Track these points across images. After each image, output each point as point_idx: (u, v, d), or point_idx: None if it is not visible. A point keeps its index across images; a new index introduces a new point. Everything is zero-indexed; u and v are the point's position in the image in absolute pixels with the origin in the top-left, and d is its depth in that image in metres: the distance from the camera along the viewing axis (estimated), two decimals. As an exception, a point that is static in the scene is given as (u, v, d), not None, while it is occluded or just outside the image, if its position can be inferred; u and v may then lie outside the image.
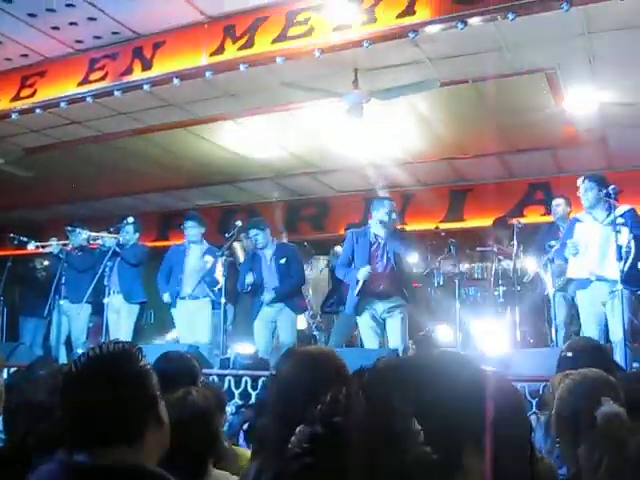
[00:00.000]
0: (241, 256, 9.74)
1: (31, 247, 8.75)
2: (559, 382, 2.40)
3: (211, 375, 6.03)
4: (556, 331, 7.31)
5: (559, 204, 8.04)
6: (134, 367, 1.89)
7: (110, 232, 8.37)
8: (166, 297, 8.07)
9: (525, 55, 7.03)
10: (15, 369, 4.02)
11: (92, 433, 1.82)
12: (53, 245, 8.63)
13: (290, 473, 1.26)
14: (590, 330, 6.25)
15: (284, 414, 2.07)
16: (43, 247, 8.77)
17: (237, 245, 9.88)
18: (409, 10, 6.21)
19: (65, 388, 1.90)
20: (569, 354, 3.33)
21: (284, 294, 7.71)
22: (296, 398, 2.01)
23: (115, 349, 1.91)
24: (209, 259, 7.93)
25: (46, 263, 9.49)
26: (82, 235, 8.66)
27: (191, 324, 8.02)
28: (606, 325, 6.20)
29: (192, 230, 8.19)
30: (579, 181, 6.46)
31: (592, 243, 6.26)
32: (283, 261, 7.77)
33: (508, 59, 7.08)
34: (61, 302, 8.32)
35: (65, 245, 8.68)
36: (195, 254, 8.18)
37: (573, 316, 7.27)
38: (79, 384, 1.86)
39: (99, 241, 8.40)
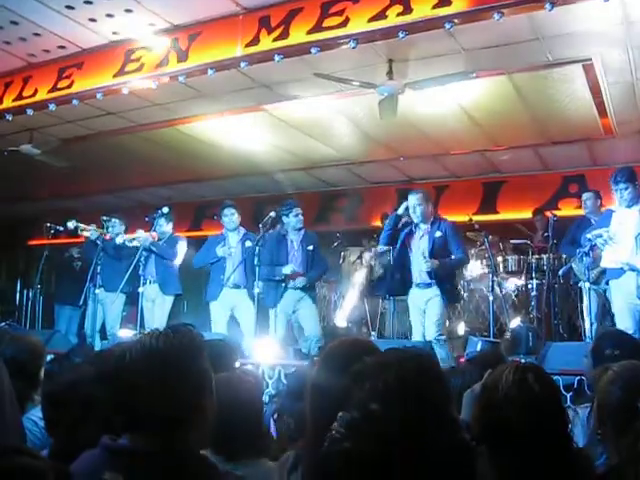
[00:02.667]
0: None
1: (71, 226, 8.79)
2: (599, 375, 2.39)
3: (246, 364, 6.06)
4: (590, 325, 7.25)
5: (589, 198, 8.05)
6: (195, 359, 1.90)
7: (145, 227, 8.42)
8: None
9: (562, 46, 6.95)
10: (53, 356, 4.09)
11: (139, 419, 1.84)
12: (92, 230, 8.72)
13: (329, 458, 1.27)
14: (623, 322, 6.18)
15: (322, 403, 2.09)
16: (82, 230, 8.83)
17: None
18: (445, 1, 6.17)
19: (117, 374, 1.91)
20: (616, 352, 3.29)
21: (313, 280, 7.82)
22: (334, 386, 2.03)
23: (181, 337, 1.91)
24: (249, 244, 7.97)
25: (81, 248, 9.55)
26: (118, 232, 8.74)
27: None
28: None
29: (232, 217, 8.22)
30: (611, 181, 6.38)
31: (627, 233, 6.20)
32: (310, 248, 7.80)
33: (544, 50, 7.00)
34: (96, 291, 8.40)
35: (103, 234, 8.77)
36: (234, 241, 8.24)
37: (606, 310, 7.20)
38: (131, 371, 1.87)
39: (135, 242, 8.42)
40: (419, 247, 7.00)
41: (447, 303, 7.01)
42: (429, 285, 6.91)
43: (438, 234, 6.97)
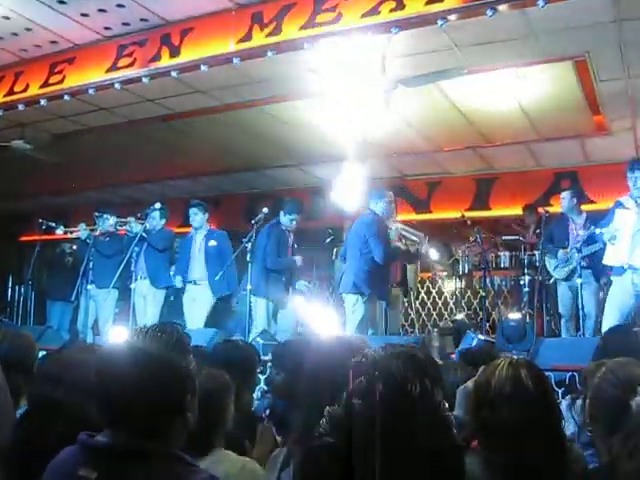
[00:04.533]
0: None
1: (59, 232, 8.85)
2: (592, 371, 2.40)
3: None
4: (582, 320, 7.28)
5: (564, 197, 8.20)
6: (177, 359, 1.90)
7: (137, 218, 8.45)
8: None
9: (554, 43, 6.95)
10: (45, 352, 4.08)
11: (117, 417, 1.84)
12: (81, 230, 8.72)
13: (314, 453, 1.28)
14: (610, 318, 6.26)
15: (313, 400, 2.09)
16: (71, 232, 8.86)
17: None
18: (438, -4, 6.16)
19: (99, 371, 1.91)
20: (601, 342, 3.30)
21: None
22: (324, 384, 2.03)
23: (164, 337, 1.91)
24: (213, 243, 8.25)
25: (74, 247, 9.56)
26: (109, 221, 8.75)
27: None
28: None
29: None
30: (627, 169, 6.45)
31: (625, 231, 6.25)
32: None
33: (537, 46, 7.01)
34: (88, 287, 8.40)
35: (93, 230, 8.76)
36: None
37: (577, 305, 7.29)
38: (121, 365, 1.87)
39: (126, 227, 8.48)
40: None
41: None
42: None
43: None
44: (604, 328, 6.37)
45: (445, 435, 1.24)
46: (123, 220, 8.66)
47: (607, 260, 6.59)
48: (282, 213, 8.11)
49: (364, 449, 1.16)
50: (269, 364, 6.19)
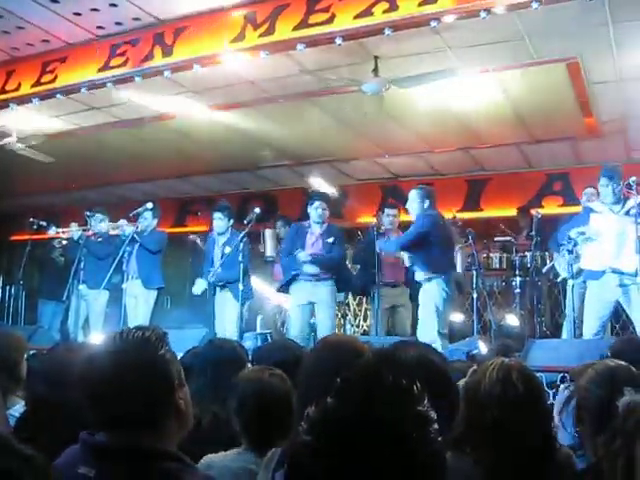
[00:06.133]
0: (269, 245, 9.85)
1: (52, 233, 8.81)
2: (580, 373, 2.41)
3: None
4: (573, 322, 7.29)
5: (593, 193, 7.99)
6: (155, 355, 1.90)
7: (129, 218, 8.41)
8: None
9: (547, 45, 6.98)
10: (34, 352, 4.06)
11: (109, 416, 1.85)
12: (73, 231, 8.68)
13: (294, 451, 1.29)
14: (590, 321, 6.29)
15: (306, 402, 2.09)
16: (63, 232, 8.82)
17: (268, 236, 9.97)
18: (431, -2, 6.18)
19: (86, 372, 1.92)
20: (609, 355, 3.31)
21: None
22: (318, 386, 2.03)
23: (136, 337, 1.92)
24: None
25: (64, 242, 9.50)
26: (101, 222, 8.71)
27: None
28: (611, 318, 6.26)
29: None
30: (601, 175, 6.40)
31: (608, 234, 6.23)
32: (331, 240, 7.84)
33: (530, 48, 7.03)
34: (80, 287, 8.36)
35: (85, 230, 8.72)
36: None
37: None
38: (99, 370, 1.89)
39: (118, 230, 8.42)
40: None
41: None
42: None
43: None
44: (585, 331, 6.40)
45: (424, 430, 1.23)
46: (115, 224, 8.59)
47: (585, 264, 6.58)
48: (308, 208, 7.89)
49: (339, 448, 1.16)
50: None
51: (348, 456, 1.15)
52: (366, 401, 1.21)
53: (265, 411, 2.65)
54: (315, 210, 7.72)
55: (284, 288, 7.86)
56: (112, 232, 8.55)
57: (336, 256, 7.63)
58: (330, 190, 9.78)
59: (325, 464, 1.16)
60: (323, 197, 8.00)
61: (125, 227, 8.40)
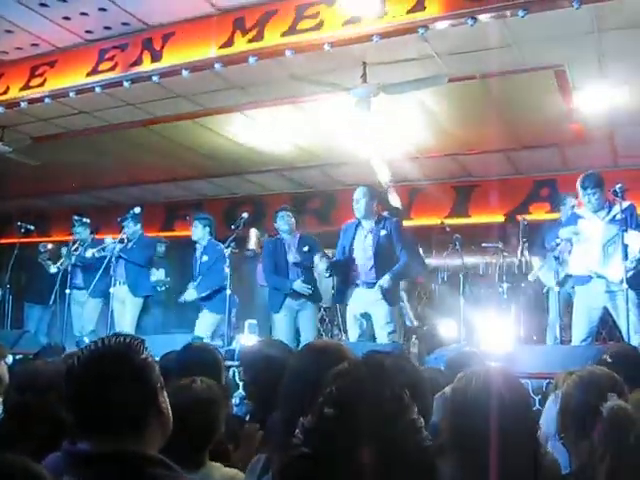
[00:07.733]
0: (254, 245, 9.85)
1: (41, 249, 8.88)
2: (564, 379, 2.43)
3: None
4: (561, 329, 7.32)
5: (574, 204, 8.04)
6: (135, 360, 1.91)
7: (118, 223, 8.36)
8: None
9: (534, 52, 7.02)
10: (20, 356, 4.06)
11: (93, 423, 1.85)
12: (64, 257, 8.73)
13: (289, 464, 1.29)
14: (578, 327, 6.31)
15: (291, 406, 2.10)
16: (53, 242, 8.85)
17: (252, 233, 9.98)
18: (419, 6, 6.21)
19: (67, 380, 1.93)
20: (609, 359, 3.32)
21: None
22: (302, 391, 2.04)
23: (117, 342, 1.93)
24: None
25: (49, 247, 9.47)
26: (84, 236, 8.74)
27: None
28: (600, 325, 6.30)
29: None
30: (579, 186, 6.42)
31: (594, 241, 6.26)
32: (306, 249, 7.65)
33: (517, 56, 7.08)
34: (67, 291, 8.34)
35: (76, 250, 8.76)
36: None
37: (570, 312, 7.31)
38: (80, 376, 1.89)
39: (105, 253, 8.36)
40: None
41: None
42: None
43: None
44: (574, 337, 6.43)
45: (415, 440, 1.25)
46: (100, 247, 8.52)
47: (573, 269, 6.61)
48: (275, 222, 7.93)
49: (338, 459, 1.17)
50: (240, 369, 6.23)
51: (346, 465, 1.16)
52: (365, 411, 1.22)
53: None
54: (282, 219, 7.77)
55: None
56: (98, 255, 8.48)
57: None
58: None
59: (323, 474, 1.17)
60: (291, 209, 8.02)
61: (110, 245, 8.33)
